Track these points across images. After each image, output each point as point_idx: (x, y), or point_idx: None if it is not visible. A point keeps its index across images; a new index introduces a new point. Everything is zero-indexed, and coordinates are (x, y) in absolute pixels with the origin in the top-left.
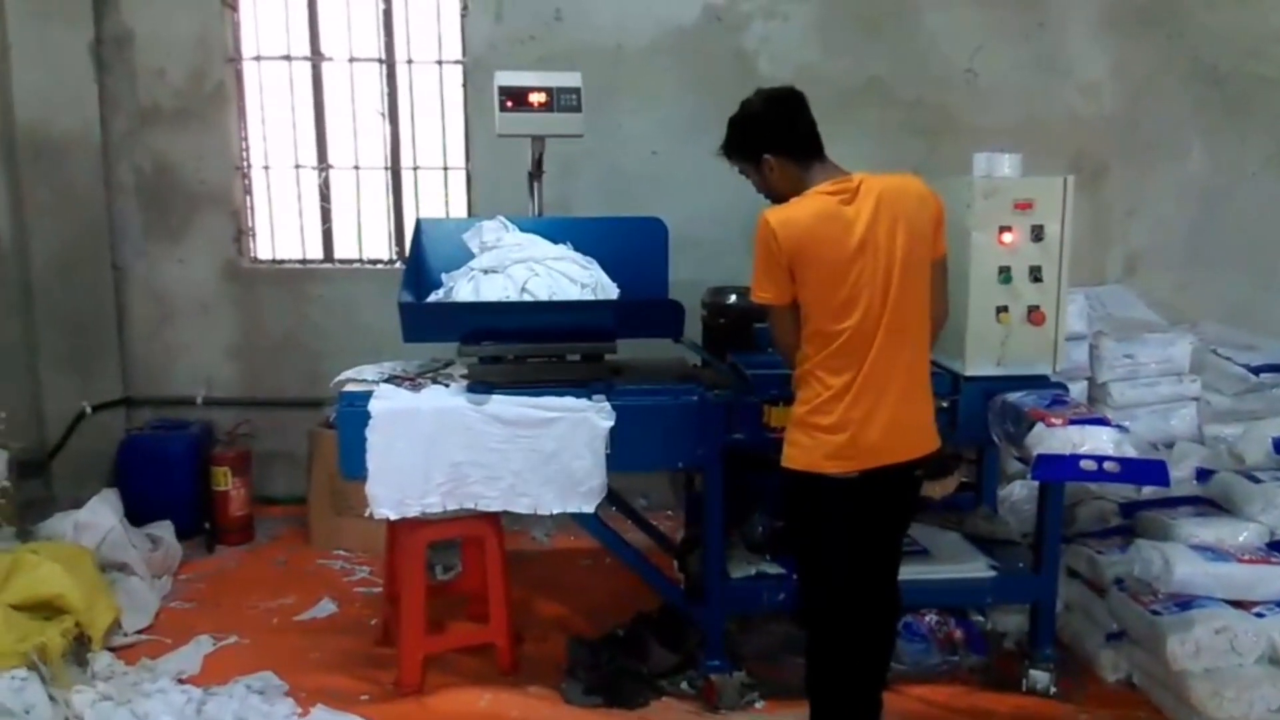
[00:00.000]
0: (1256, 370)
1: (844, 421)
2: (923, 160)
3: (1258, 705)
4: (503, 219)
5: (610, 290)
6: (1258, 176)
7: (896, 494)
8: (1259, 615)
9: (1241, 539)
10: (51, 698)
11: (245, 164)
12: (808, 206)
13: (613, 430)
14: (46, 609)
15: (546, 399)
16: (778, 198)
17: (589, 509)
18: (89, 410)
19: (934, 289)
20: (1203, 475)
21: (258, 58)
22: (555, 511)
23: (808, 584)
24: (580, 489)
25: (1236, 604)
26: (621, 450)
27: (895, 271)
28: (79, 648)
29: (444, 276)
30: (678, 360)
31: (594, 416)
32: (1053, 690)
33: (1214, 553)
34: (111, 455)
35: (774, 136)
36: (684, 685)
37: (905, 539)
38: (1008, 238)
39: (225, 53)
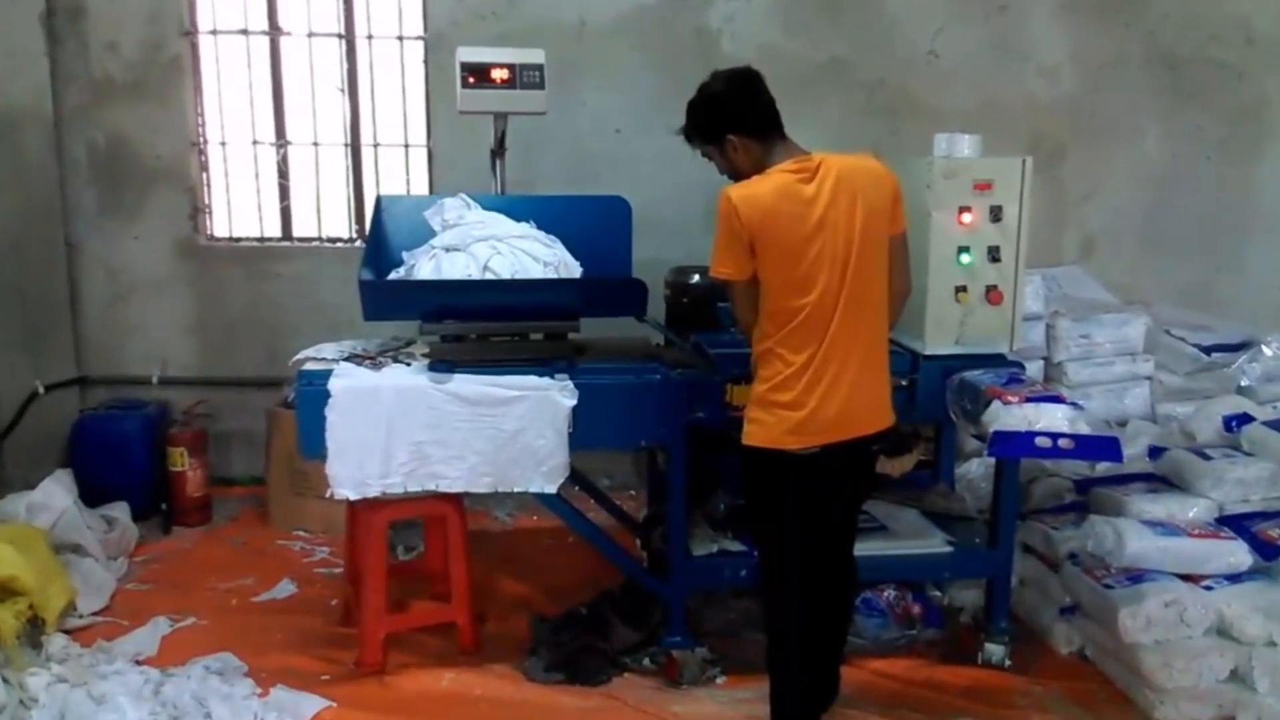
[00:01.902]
0: (1208, 350)
1: (804, 398)
2: (883, 140)
3: (1205, 675)
4: (465, 197)
5: (573, 269)
6: (1213, 160)
7: (853, 469)
8: (1207, 588)
9: (1192, 514)
10: (5, 680)
11: (202, 140)
12: (769, 184)
13: (575, 409)
14: None
15: (509, 378)
16: (740, 177)
17: (551, 489)
18: (42, 390)
19: (895, 263)
20: (1155, 453)
21: (214, 31)
22: (518, 489)
23: (768, 560)
24: (543, 468)
25: (1186, 577)
26: (584, 429)
27: (853, 249)
28: (33, 630)
29: (405, 255)
30: (641, 339)
31: (557, 395)
32: (1007, 663)
33: (1165, 528)
34: (65, 436)
35: (736, 116)
36: (646, 661)
37: (863, 515)
38: (967, 218)
39: (180, 25)
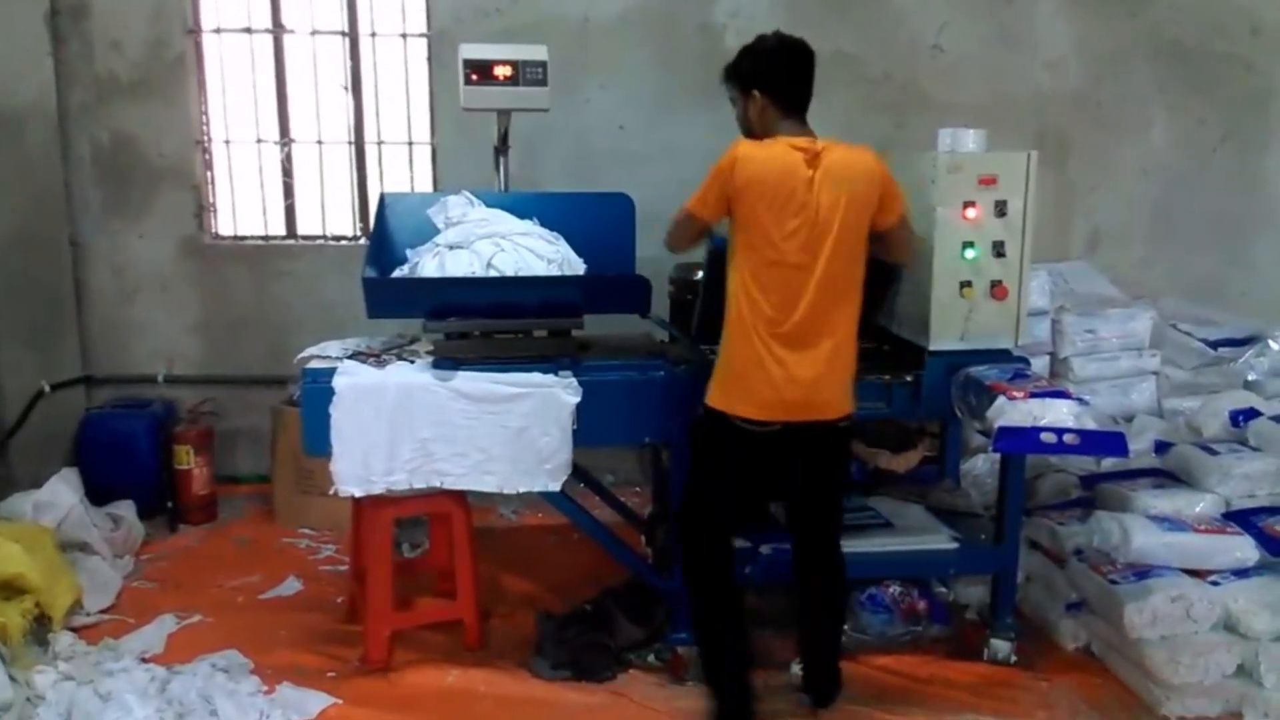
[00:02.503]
0: (1215, 345)
1: (770, 374)
2: (889, 135)
3: (1212, 671)
4: (468, 194)
5: (577, 266)
6: (1219, 153)
7: (814, 452)
8: (1214, 584)
9: (1198, 510)
10: (12, 678)
11: (206, 138)
12: (775, 152)
13: (579, 406)
14: (6, 589)
15: (513, 375)
16: (750, 133)
17: (555, 487)
18: (48, 389)
19: (897, 247)
20: (1161, 448)
21: (218, 29)
22: (522, 490)
23: (692, 514)
24: (547, 465)
25: (1192, 573)
26: (588, 426)
27: (831, 238)
28: (40, 628)
29: (409, 252)
30: (644, 336)
31: (560, 392)
32: (1013, 659)
33: (1171, 523)
34: (71, 434)
35: (771, 76)
36: (651, 658)
37: (869, 511)
38: (971, 213)
39: (184, 24)
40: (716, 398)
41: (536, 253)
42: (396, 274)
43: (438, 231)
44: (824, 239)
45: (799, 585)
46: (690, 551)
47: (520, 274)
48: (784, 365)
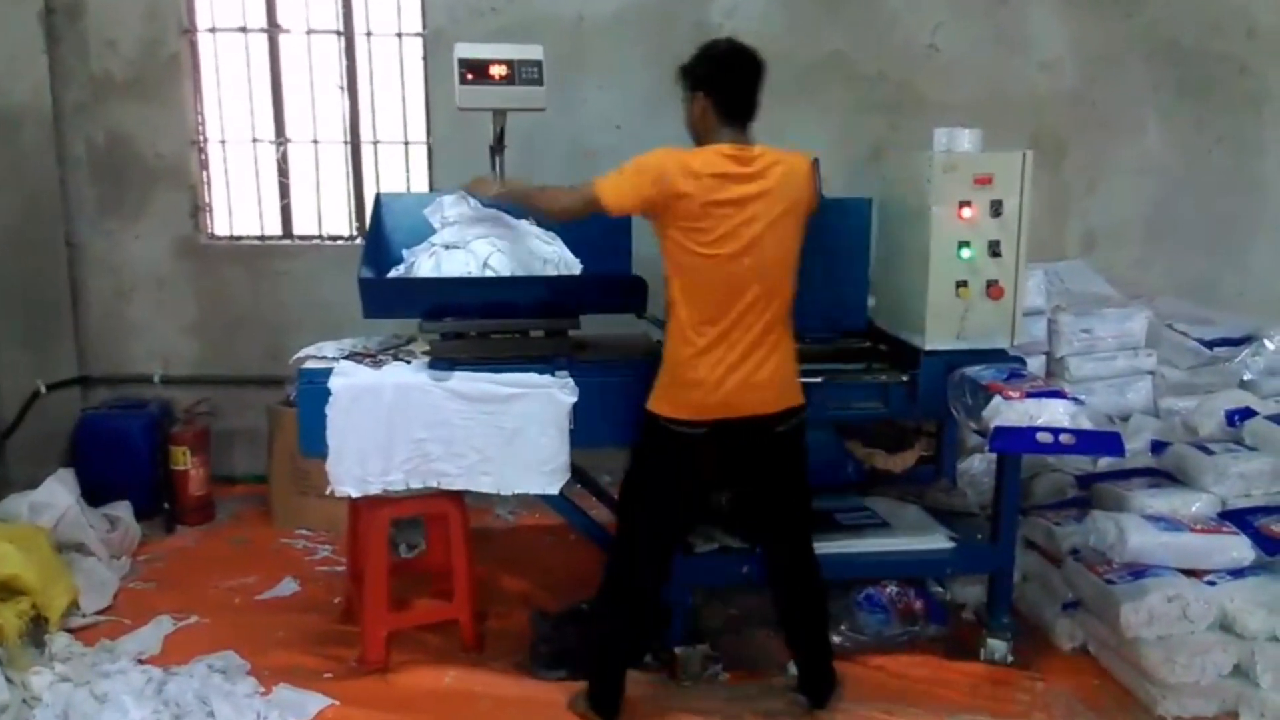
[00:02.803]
0: (1210, 344)
1: (705, 375)
2: (884, 135)
3: (1208, 671)
4: (464, 193)
5: (573, 266)
6: (1215, 153)
7: (762, 452)
8: (1210, 583)
9: (1194, 509)
10: (8, 680)
11: (201, 138)
12: (705, 158)
13: (576, 406)
14: (2, 590)
15: (509, 375)
16: (694, 137)
17: (553, 490)
18: (43, 389)
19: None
20: (1157, 447)
21: (213, 29)
22: (519, 491)
23: (632, 524)
24: (545, 467)
25: (1189, 573)
26: (585, 426)
27: (763, 243)
28: (36, 629)
29: (405, 252)
30: (641, 336)
31: (557, 392)
32: (1010, 659)
33: (1167, 523)
34: (67, 435)
35: (715, 80)
36: (648, 658)
37: (865, 512)
38: (967, 213)
39: (179, 23)
40: (655, 402)
41: (533, 252)
42: (392, 274)
43: (434, 231)
44: (756, 245)
45: (774, 592)
46: (621, 552)
47: (517, 274)
48: (722, 369)
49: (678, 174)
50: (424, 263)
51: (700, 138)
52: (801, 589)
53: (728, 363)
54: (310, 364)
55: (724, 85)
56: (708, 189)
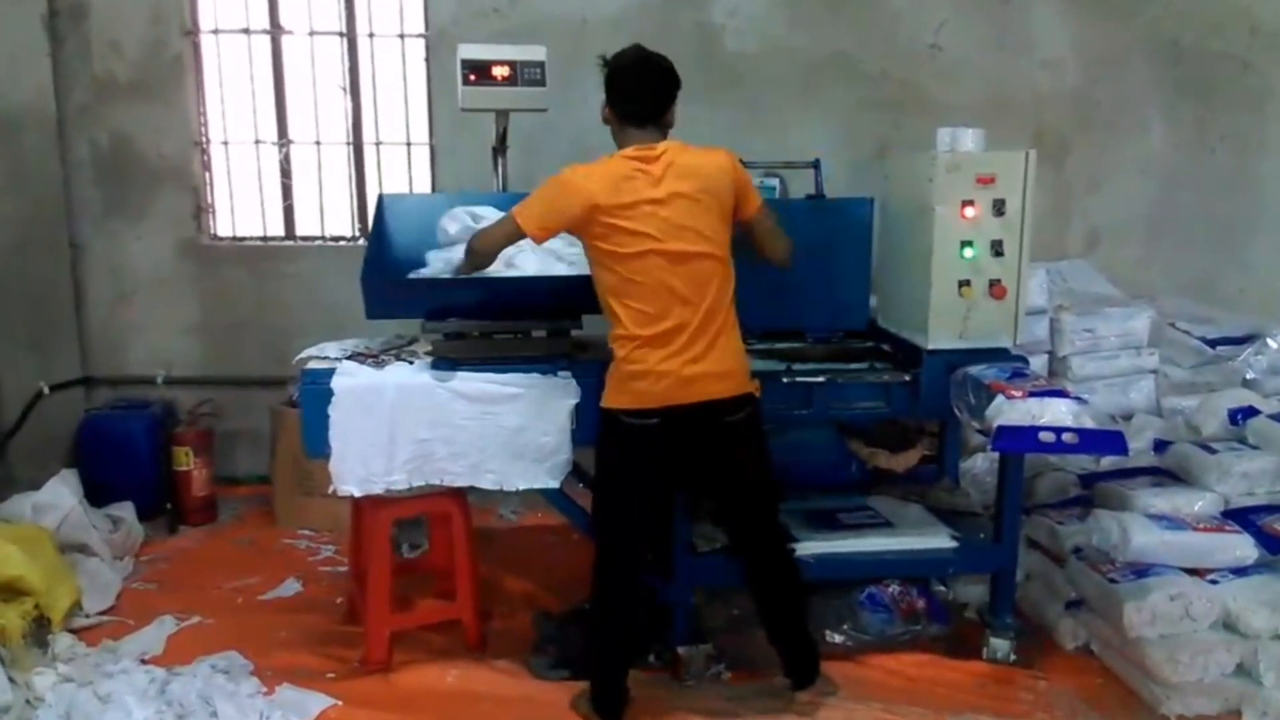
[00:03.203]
0: (1213, 343)
1: (651, 368)
2: (887, 134)
3: (1211, 670)
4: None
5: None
6: (1217, 152)
7: (713, 438)
8: (1213, 582)
9: (1197, 508)
10: (12, 680)
11: (204, 139)
12: (609, 167)
13: (578, 406)
14: (5, 591)
15: (511, 375)
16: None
17: (554, 483)
18: (47, 390)
19: (764, 235)
20: (1160, 446)
21: (216, 30)
22: (521, 487)
23: (603, 524)
24: (546, 464)
25: (1192, 571)
26: (587, 426)
27: (682, 233)
28: (39, 630)
29: (430, 254)
30: None
31: (559, 392)
32: (1013, 658)
33: (1170, 522)
34: (70, 436)
35: (614, 88)
36: (651, 658)
37: (868, 511)
38: (970, 212)
39: (183, 25)
40: (606, 398)
41: (555, 253)
42: (414, 275)
43: (436, 231)
44: (678, 238)
45: (748, 585)
46: (599, 554)
47: (541, 274)
48: (667, 361)
49: (585, 187)
50: (437, 263)
51: (616, 142)
52: (771, 579)
53: (668, 351)
54: (313, 364)
55: (623, 93)
56: (614, 193)
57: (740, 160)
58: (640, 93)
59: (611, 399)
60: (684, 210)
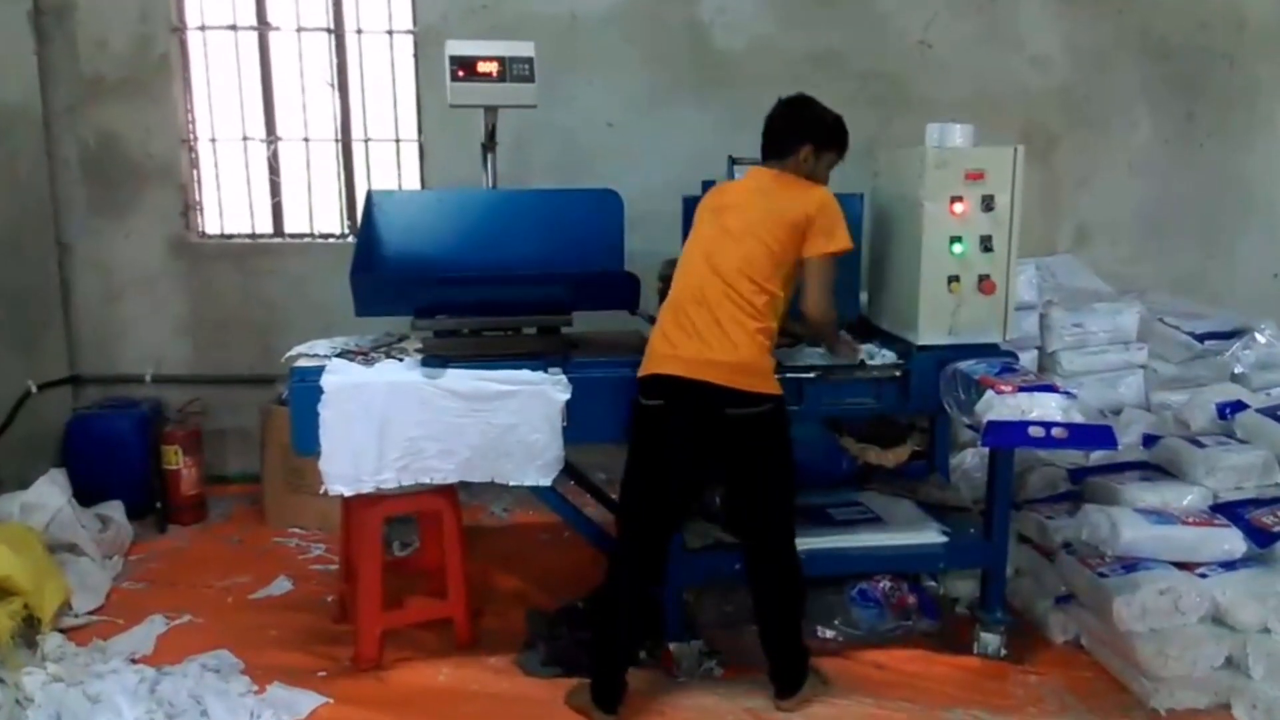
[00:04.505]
0: (1201, 338)
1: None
2: (876, 131)
3: (1200, 663)
4: None
5: None
6: (1205, 148)
7: (718, 431)
8: (1202, 576)
9: (1186, 502)
10: (1, 680)
11: (192, 136)
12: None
13: (569, 403)
14: None
15: (502, 372)
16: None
17: (546, 482)
18: (34, 389)
19: (807, 282)
20: (1149, 441)
21: (202, 27)
22: (512, 484)
23: (620, 514)
24: (537, 462)
25: (1181, 565)
26: (578, 423)
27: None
28: (28, 629)
29: None
30: (634, 333)
31: (550, 389)
32: (1003, 653)
33: (1159, 516)
34: (58, 435)
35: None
36: (643, 655)
37: (858, 507)
38: (959, 208)
39: (169, 22)
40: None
41: None
42: None
43: (425, 226)
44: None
45: (749, 582)
46: (615, 544)
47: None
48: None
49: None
50: None
51: (822, 178)
52: (768, 585)
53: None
54: (302, 362)
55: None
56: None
57: (731, 158)
58: (769, 128)
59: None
60: (736, 226)
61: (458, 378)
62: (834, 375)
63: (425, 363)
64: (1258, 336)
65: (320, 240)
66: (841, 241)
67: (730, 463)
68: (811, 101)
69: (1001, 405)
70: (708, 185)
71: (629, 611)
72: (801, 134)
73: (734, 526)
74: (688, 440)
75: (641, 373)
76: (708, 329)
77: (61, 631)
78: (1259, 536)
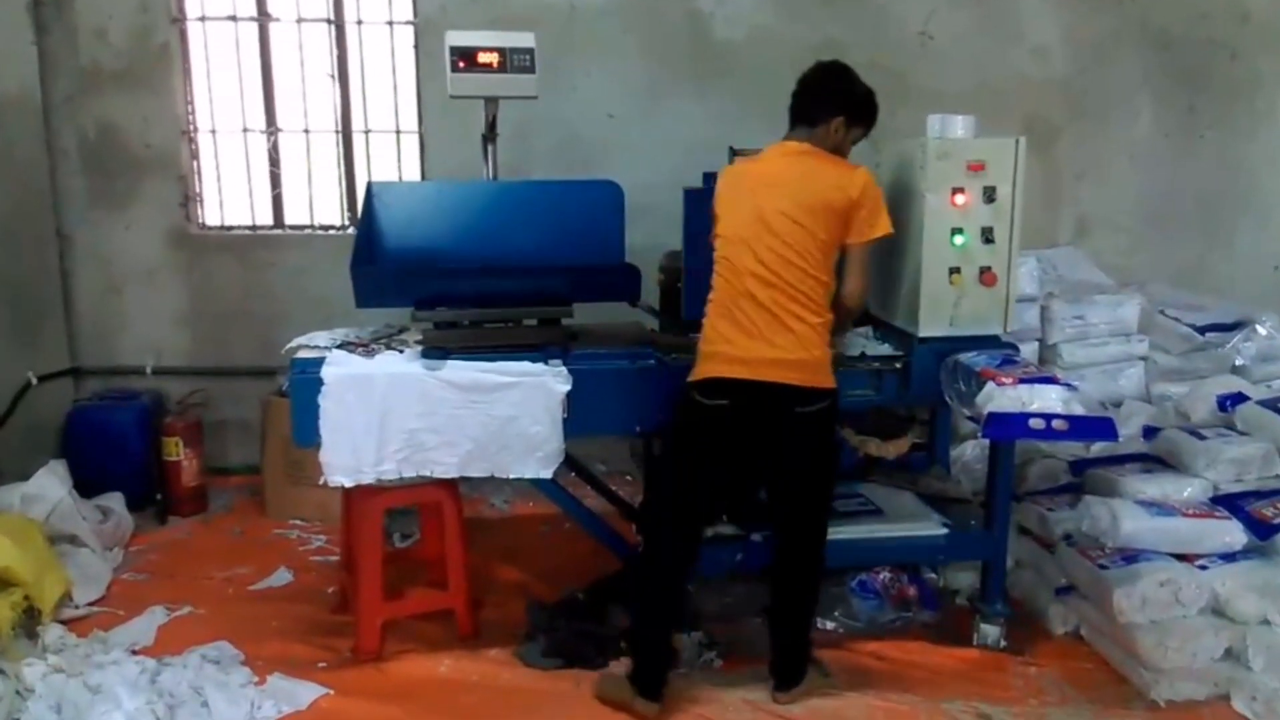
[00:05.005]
0: (1202, 330)
1: (714, 337)
2: (878, 122)
3: (1200, 655)
4: None
5: None
6: (1206, 139)
7: (781, 427)
8: (1202, 568)
9: (1186, 494)
10: (2, 671)
11: (192, 128)
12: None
13: (570, 395)
14: None
15: (502, 364)
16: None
17: (546, 474)
18: (35, 381)
19: (846, 267)
20: (1149, 433)
21: (203, 18)
22: (513, 476)
23: (654, 497)
24: (537, 454)
25: (1181, 557)
26: (579, 415)
27: (771, 227)
28: (29, 621)
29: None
30: (634, 324)
31: (550, 381)
32: (1003, 644)
33: (1159, 508)
34: (59, 426)
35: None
36: None
37: (859, 498)
38: (960, 199)
39: (169, 12)
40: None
41: None
42: None
43: (425, 216)
44: (764, 227)
45: (773, 572)
46: (645, 527)
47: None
48: (720, 328)
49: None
50: None
51: (845, 151)
52: (794, 578)
53: (727, 335)
54: (303, 354)
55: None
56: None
57: (732, 149)
58: (796, 93)
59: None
60: (773, 212)
61: (458, 369)
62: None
63: (425, 354)
64: (1258, 329)
65: (320, 232)
66: (885, 226)
67: (782, 457)
68: (849, 71)
69: (1002, 397)
70: (709, 176)
71: (673, 601)
72: (836, 104)
73: (773, 517)
74: (749, 439)
75: (701, 375)
76: (769, 327)
77: (62, 623)
78: (1259, 528)
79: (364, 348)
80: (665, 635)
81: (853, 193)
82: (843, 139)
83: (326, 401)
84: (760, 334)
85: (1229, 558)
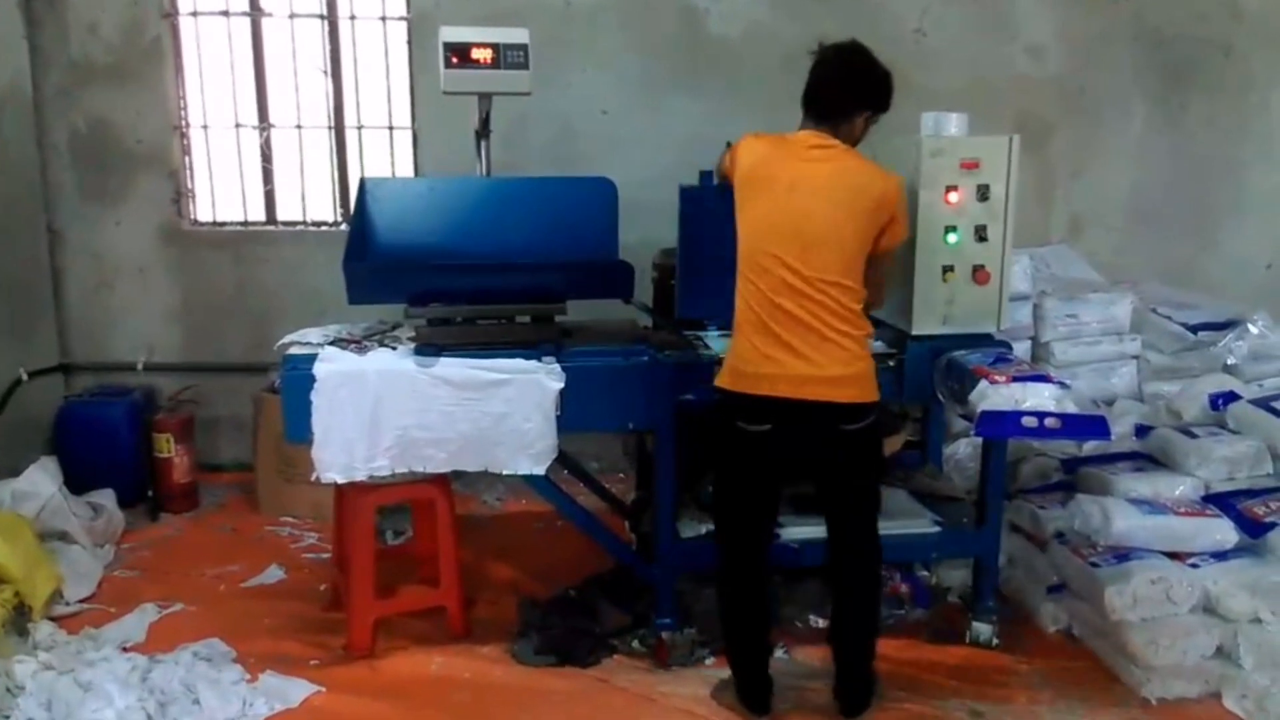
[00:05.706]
0: (1195, 329)
1: (750, 351)
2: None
3: (1191, 653)
4: None
5: None
6: (1200, 139)
7: (815, 439)
8: (1193, 566)
9: (1178, 492)
10: None
11: (183, 123)
12: (774, 139)
13: (563, 392)
14: None
15: (496, 361)
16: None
17: (539, 470)
18: (25, 377)
19: (868, 271)
20: (1141, 431)
21: (195, 13)
22: (505, 472)
23: (717, 508)
24: (530, 451)
25: (1172, 555)
26: (572, 412)
27: (809, 231)
28: (19, 618)
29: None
30: (628, 322)
31: (544, 378)
32: (995, 642)
33: (1151, 506)
34: (50, 423)
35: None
36: (635, 643)
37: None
38: (954, 197)
39: (161, 7)
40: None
41: None
42: None
43: (419, 213)
44: (802, 229)
45: (835, 586)
46: (718, 533)
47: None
48: (755, 341)
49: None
50: None
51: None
52: (857, 588)
53: (765, 348)
54: (295, 350)
55: (809, 80)
56: (767, 158)
57: (728, 145)
58: (812, 79)
59: (726, 381)
60: (810, 216)
61: (451, 366)
62: None
63: (418, 351)
64: (1250, 327)
65: (313, 228)
66: (907, 230)
67: (831, 469)
68: (867, 54)
69: (995, 395)
70: (705, 174)
71: (762, 616)
72: (860, 98)
73: (828, 536)
74: (796, 457)
75: (737, 388)
76: (811, 345)
77: (53, 620)
78: (1250, 527)
79: (356, 344)
80: (763, 652)
81: (889, 197)
82: (863, 133)
83: (319, 398)
84: (801, 352)
85: (1220, 556)
